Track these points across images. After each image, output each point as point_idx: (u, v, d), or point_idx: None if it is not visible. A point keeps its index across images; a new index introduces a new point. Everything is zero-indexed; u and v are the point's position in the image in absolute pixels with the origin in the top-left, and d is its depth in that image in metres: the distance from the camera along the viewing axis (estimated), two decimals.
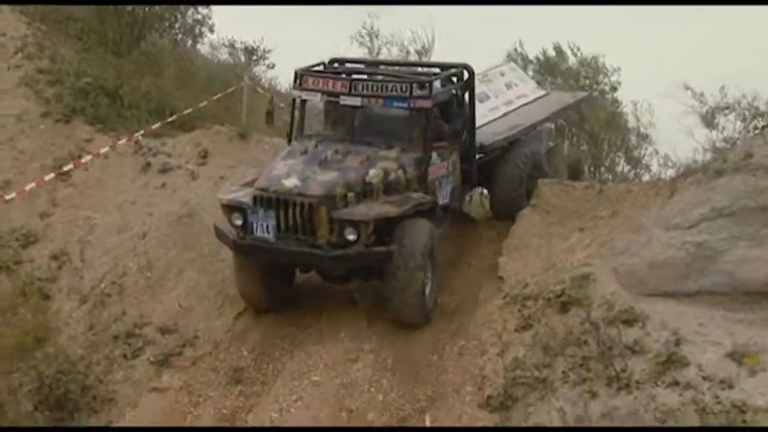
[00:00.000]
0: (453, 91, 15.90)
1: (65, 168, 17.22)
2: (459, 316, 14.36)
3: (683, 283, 12.49)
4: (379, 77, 15.46)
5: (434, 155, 15.09)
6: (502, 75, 18.70)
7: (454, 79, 16.00)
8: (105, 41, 20.91)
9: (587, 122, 18.97)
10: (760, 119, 13.53)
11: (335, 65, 16.69)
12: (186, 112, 18.90)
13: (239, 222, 14.08)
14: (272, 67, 23.97)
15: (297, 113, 15.74)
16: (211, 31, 24.21)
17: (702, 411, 10.94)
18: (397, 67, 17.36)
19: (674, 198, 13.41)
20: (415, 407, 12.78)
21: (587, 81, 19.89)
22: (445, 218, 15.49)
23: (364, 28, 24.97)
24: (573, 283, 13.06)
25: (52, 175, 17.09)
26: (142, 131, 18.20)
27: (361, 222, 13.52)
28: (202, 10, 23.45)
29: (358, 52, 23.85)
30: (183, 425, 13.18)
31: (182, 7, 23.09)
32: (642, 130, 19.23)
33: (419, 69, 17.38)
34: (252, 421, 12.82)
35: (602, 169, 18.86)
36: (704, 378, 11.28)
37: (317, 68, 16.01)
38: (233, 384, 13.56)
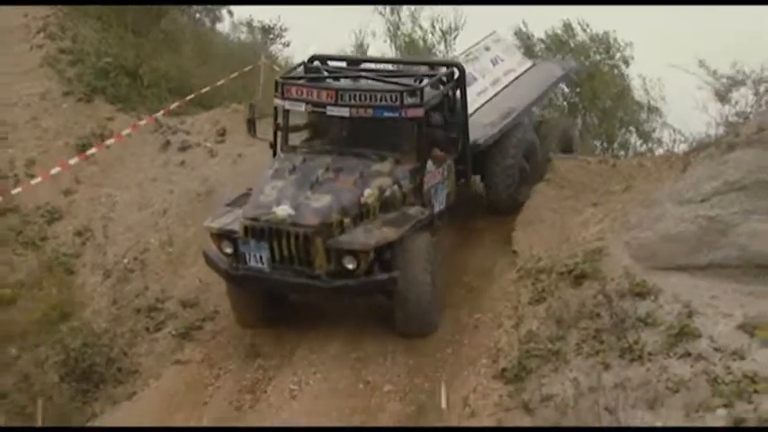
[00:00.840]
0: (445, 92, 14.68)
1: (87, 153, 17.24)
2: (475, 290, 14.34)
3: (695, 257, 12.43)
4: (367, 85, 14.30)
5: (429, 162, 14.22)
6: (487, 49, 17.53)
7: (445, 79, 14.84)
8: (125, 21, 20.94)
9: (599, 98, 18.74)
10: None
11: (316, 62, 15.39)
12: (204, 90, 18.95)
13: (229, 251, 13.31)
14: (288, 45, 23.91)
15: (281, 123, 14.64)
16: (230, 13, 24.25)
17: (714, 382, 10.87)
18: (383, 66, 16.32)
19: (687, 172, 13.40)
20: (431, 379, 12.74)
21: (599, 57, 19.57)
22: (442, 223, 14.75)
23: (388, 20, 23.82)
24: (586, 257, 13.05)
25: (76, 159, 17.09)
26: (162, 110, 18.24)
27: (360, 252, 12.83)
28: None
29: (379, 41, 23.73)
30: (204, 396, 13.14)
31: None
32: (652, 103, 19.03)
33: (407, 69, 15.98)
34: (271, 392, 12.75)
35: (616, 144, 18.71)
36: (716, 349, 11.22)
37: (298, 71, 15.09)
38: (252, 358, 13.57)
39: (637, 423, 10.94)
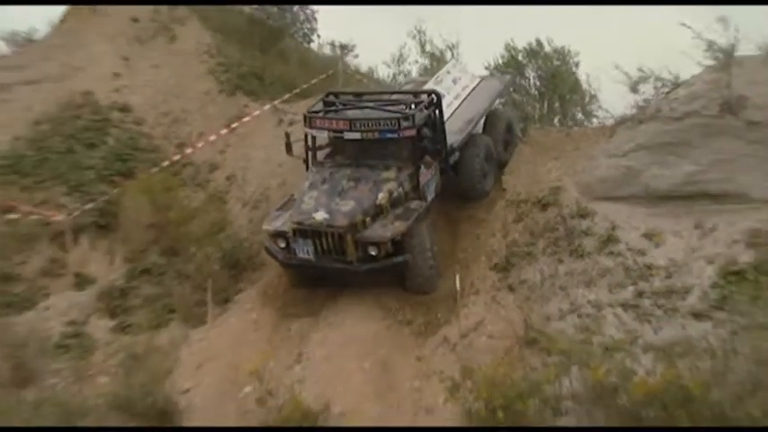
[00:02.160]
0: (429, 114, 13.50)
1: (233, 127, 17.58)
2: (476, 217, 14.27)
3: (618, 191, 12.71)
4: (372, 114, 13.24)
5: (422, 167, 13.34)
6: (448, 73, 16.19)
7: (428, 104, 13.66)
8: (255, 43, 21.16)
9: (558, 89, 18.75)
10: (665, 87, 13.78)
11: (332, 96, 14.32)
12: (303, 87, 18.79)
13: (283, 246, 12.61)
14: (357, 56, 23.80)
15: (310, 145, 13.72)
16: (318, 36, 24.12)
17: (626, 269, 11.35)
18: (382, 96, 14.73)
19: (614, 138, 13.57)
20: (449, 277, 12.57)
21: (558, 62, 19.41)
22: (432, 206, 13.63)
23: (417, 33, 22.89)
24: (550, 192, 13.25)
25: (226, 131, 17.44)
26: (277, 100, 18.31)
27: (380, 243, 12.15)
28: (313, 23, 23.56)
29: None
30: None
31: (300, 18, 23.26)
32: (592, 92, 19.06)
33: (400, 98, 14.46)
34: (328, 312, 12.30)
35: (569, 120, 18.76)
36: (628, 249, 11.67)
37: (321, 106, 13.92)
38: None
39: (578, 297, 11.24)
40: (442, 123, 13.68)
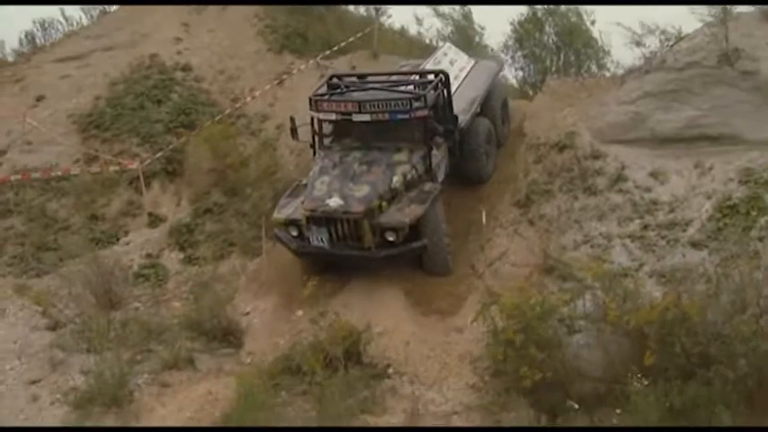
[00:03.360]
0: (438, 94, 11.95)
1: (281, 80, 17.46)
2: (500, 160, 13.88)
3: (627, 135, 12.64)
4: (382, 95, 11.65)
5: (433, 148, 11.83)
6: (445, 55, 14.53)
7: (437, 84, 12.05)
8: (297, 7, 20.57)
9: (575, 44, 18.37)
10: (670, 40, 13.64)
11: (335, 79, 12.61)
12: (342, 44, 18.39)
13: (295, 234, 11.19)
14: (390, 17, 23.00)
15: (316, 129, 12.21)
16: None
17: (634, 205, 11.41)
18: (388, 77, 12.86)
19: (623, 86, 13.40)
20: (474, 209, 12.45)
21: (574, 19, 18.82)
22: (443, 185, 11.99)
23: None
24: (566, 136, 13.07)
25: (275, 84, 17.32)
26: (319, 56, 17.97)
27: (399, 228, 10.76)
28: None
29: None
30: None
31: None
32: (605, 48, 18.62)
33: (405, 78, 12.79)
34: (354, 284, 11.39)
35: (583, 71, 18.37)
36: (636, 187, 11.71)
37: (325, 88, 12.33)
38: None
39: (591, 229, 11.30)
40: (451, 104, 12.24)
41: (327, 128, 12.31)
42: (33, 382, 9.49)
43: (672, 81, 12.41)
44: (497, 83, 14.89)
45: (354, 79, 12.93)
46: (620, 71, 15.87)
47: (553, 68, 18.93)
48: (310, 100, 11.86)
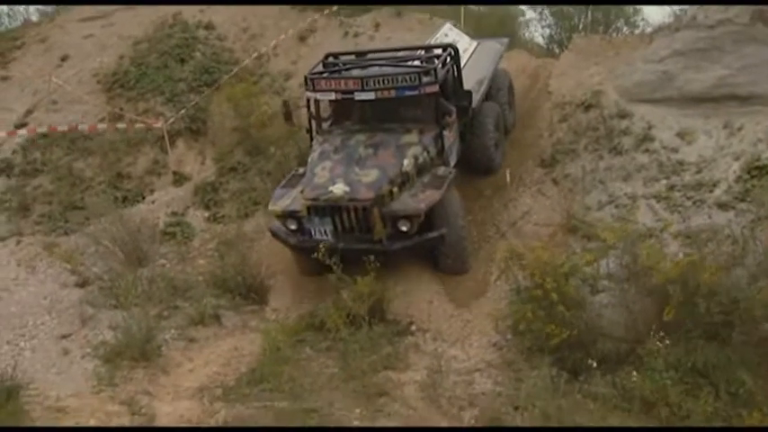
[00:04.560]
0: (449, 69, 11.08)
1: (305, 38, 17.41)
2: (525, 119, 13.98)
3: (654, 94, 12.60)
4: (387, 70, 10.63)
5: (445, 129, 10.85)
6: (446, 36, 13.67)
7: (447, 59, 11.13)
8: None
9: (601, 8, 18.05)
10: None
11: (331, 58, 11.84)
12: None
13: (294, 227, 10.16)
14: None
15: (313, 112, 11.33)
16: None
17: (660, 165, 11.41)
18: (390, 54, 11.86)
19: (652, 45, 13.33)
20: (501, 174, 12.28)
21: None
22: (455, 168, 11.09)
23: None
24: (592, 95, 13.17)
25: (298, 42, 17.31)
26: (342, 15, 17.85)
27: (414, 216, 9.73)
28: None
29: None
30: None
31: None
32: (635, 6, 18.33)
33: (410, 54, 11.72)
34: None
35: (611, 30, 18.20)
36: (663, 147, 11.70)
37: (321, 67, 11.48)
38: None
39: (616, 190, 11.32)
40: (461, 81, 11.30)
41: (326, 110, 11.53)
42: (64, 337, 9.73)
43: (702, 39, 12.26)
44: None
45: (352, 57, 12.05)
46: (649, 29, 15.66)
47: (581, 26, 18.73)
48: (306, 79, 10.88)
